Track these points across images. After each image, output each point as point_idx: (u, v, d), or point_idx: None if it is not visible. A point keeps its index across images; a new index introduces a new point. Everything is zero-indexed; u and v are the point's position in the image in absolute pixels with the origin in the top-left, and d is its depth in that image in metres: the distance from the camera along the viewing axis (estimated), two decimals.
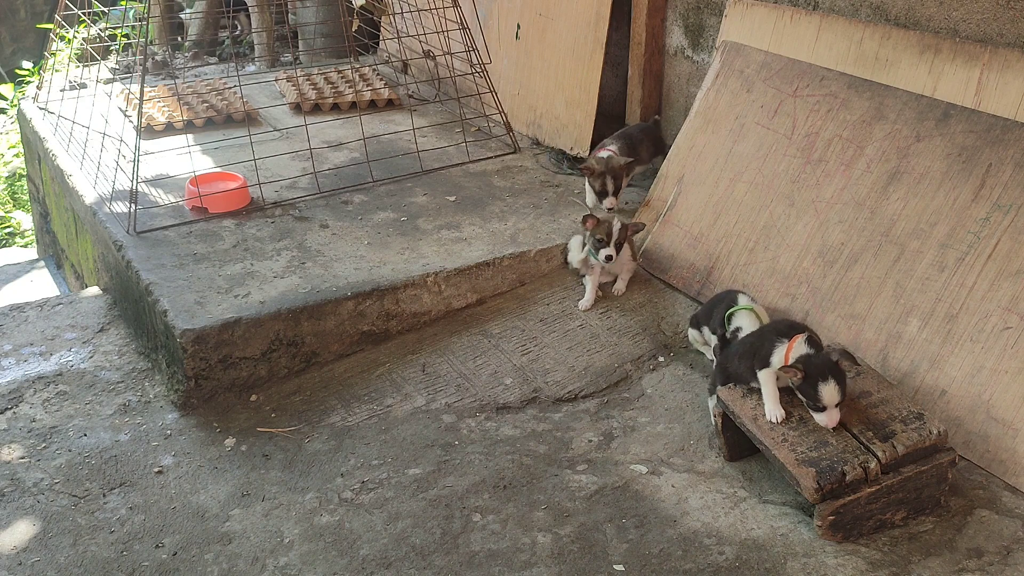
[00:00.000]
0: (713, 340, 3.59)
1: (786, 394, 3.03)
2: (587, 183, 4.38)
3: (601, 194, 4.23)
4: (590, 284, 4.01)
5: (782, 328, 3.08)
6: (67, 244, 5.33)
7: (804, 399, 2.92)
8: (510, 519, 2.97)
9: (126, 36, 7.13)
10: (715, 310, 3.52)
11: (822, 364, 2.86)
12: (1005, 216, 3.27)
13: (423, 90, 6.04)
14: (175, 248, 4.08)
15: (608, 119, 5.02)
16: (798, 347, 2.94)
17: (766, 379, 3.00)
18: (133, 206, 4.21)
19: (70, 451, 3.33)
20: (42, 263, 5.97)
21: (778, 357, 2.97)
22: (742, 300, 3.47)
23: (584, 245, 4.05)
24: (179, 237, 4.18)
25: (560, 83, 5.17)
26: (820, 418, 2.89)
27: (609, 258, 3.86)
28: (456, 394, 3.60)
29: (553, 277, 4.22)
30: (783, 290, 3.73)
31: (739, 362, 3.12)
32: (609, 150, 4.37)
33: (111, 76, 6.37)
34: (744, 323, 3.37)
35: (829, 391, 2.83)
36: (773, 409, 2.97)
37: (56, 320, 4.12)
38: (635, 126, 4.84)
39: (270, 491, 3.15)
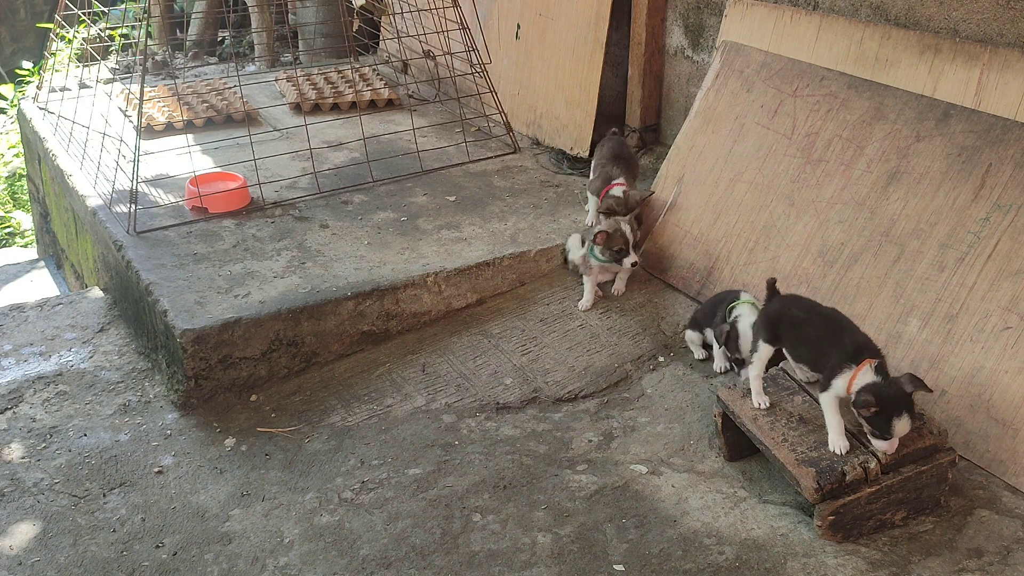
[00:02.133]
0: (714, 340, 3.60)
1: (770, 384, 3.07)
2: (589, 197, 4.38)
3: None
4: (588, 284, 4.01)
5: (851, 351, 2.83)
6: (67, 244, 5.33)
7: (869, 427, 2.76)
8: (510, 519, 2.97)
9: (125, 36, 7.13)
10: (717, 310, 3.53)
11: (897, 398, 2.70)
12: (1005, 216, 3.27)
13: (423, 90, 6.04)
14: (175, 248, 4.08)
15: (608, 119, 5.02)
16: (864, 375, 2.76)
17: (829, 406, 2.85)
18: (133, 206, 4.21)
19: (70, 451, 3.33)
20: (42, 263, 5.97)
21: (841, 382, 2.79)
22: (744, 295, 3.49)
23: (582, 243, 4.06)
24: (179, 237, 4.18)
25: (560, 83, 5.17)
26: (881, 445, 2.77)
27: (635, 264, 3.88)
28: (456, 394, 3.60)
29: (553, 277, 4.22)
30: (783, 290, 3.72)
31: (804, 344, 2.97)
32: (619, 184, 4.20)
33: (111, 76, 6.37)
34: (744, 311, 3.38)
35: (902, 426, 2.71)
36: (837, 440, 2.83)
37: (56, 320, 4.12)
38: (611, 142, 4.49)
39: (270, 491, 3.15)
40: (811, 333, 2.99)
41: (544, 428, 3.42)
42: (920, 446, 2.84)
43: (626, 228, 3.85)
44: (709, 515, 2.95)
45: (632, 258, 3.86)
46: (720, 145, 4.19)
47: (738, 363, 3.42)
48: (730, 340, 3.39)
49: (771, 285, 3.18)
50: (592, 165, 4.58)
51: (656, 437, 3.34)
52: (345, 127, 5.29)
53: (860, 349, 2.84)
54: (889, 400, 2.70)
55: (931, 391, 2.81)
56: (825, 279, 3.63)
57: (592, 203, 4.36)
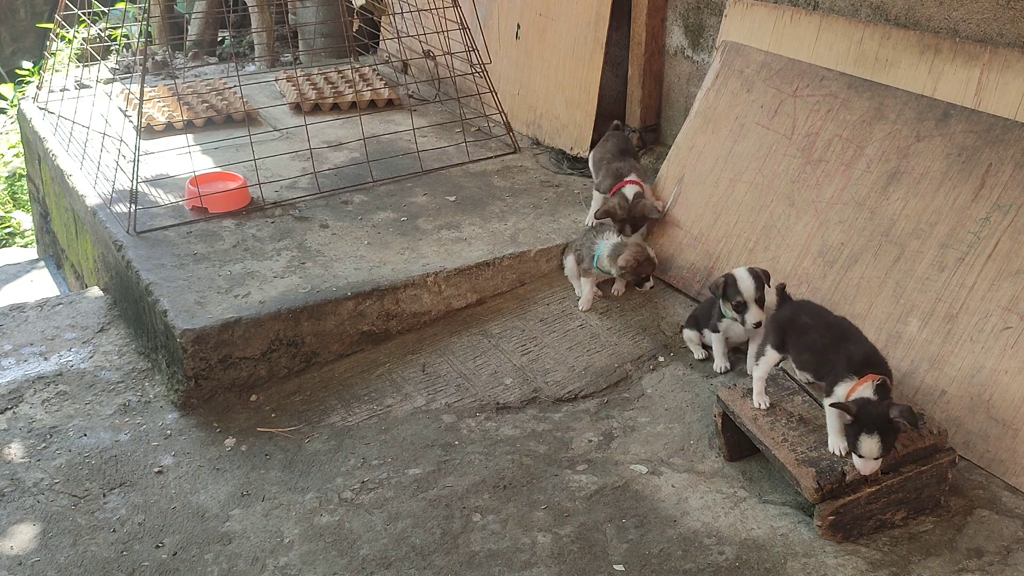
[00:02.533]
0: (712, 340, 3.59)
1: (770, 384, 3.07)
2: (594, 195, 4.38)
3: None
4: (587, 286, 4.01)
5: (858, 362, 2.82)
6: (67, 244, 5.33)
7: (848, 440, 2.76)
8: (510, 519, 2.97)
9: (126, 36, 7.14)
10: (714, 309, 3.52)
11: (875, 416, 2.66)
12: (1005, 216, 3.27)
13: (423, 90, 6.04)
14: (175, 248, 4.08)
15: (608, 119, 5.02)
16: (864, 389, 2.73)
17: (831, 410, 2.82)
18: (133, 206, 4.21)
19: (70, 451, 3.33)
20: (42, 263, 5.98)
21: (842, 391, 2.79)
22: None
23: (578, 260, 4.03)
24: (179, 237, 4.18)
25: (560, 83, 5.17)
26: (857, 463, 2.73)
27: (652, 286, 4.04)
28: (456, 394, 3.61)
29: (553, 277, 4.22)
30: None
31: (808, 351, 2.95)
32: (633, 182, 4.16)
33: (111, 76, 6.38)
34: (741, 273, 3.36)
35: (869, 446, 2.67)
36: (837, 442, 2.82)
37: (56, 320, 4.12)
38: (615, 137, 4.52)
39: (270, 491, 3.15)
40: (818, 341, 2.96)
41: (544, 428, 3.42)
42: (920, 446, 2.84)
43: (651, 252, 3.93)
44: (709, 515, 2.95)
45: (651, 283, 4.04)
46: (720, 145, 4.19)
47: (739, 308, 3.34)
48: (728, 287, 3.34)
49: (781, 290, 3.16)
50: (593, 161, 4.55)
51: (656, 437, 3.34)
52: (345, 127, 5.29)
53: (867, 363, 2.82)
54: (866, 417, 2.67)
55: (916, 428, 2.74)
56: (825, 279, 3.63)
57: (597, 202, 4.32)
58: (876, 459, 2.70)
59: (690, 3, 4.74)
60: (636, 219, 4.10)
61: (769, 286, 3.30)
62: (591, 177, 4.57)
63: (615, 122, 4.67)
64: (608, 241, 3.92)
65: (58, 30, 5.43)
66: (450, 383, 3.66)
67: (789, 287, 3.69)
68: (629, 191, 4.13)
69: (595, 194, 4.37)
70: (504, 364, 3.75)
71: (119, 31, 7.04)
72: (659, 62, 4.97)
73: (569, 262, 4.12)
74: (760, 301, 3.32)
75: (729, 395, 3.11)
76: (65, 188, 4.82)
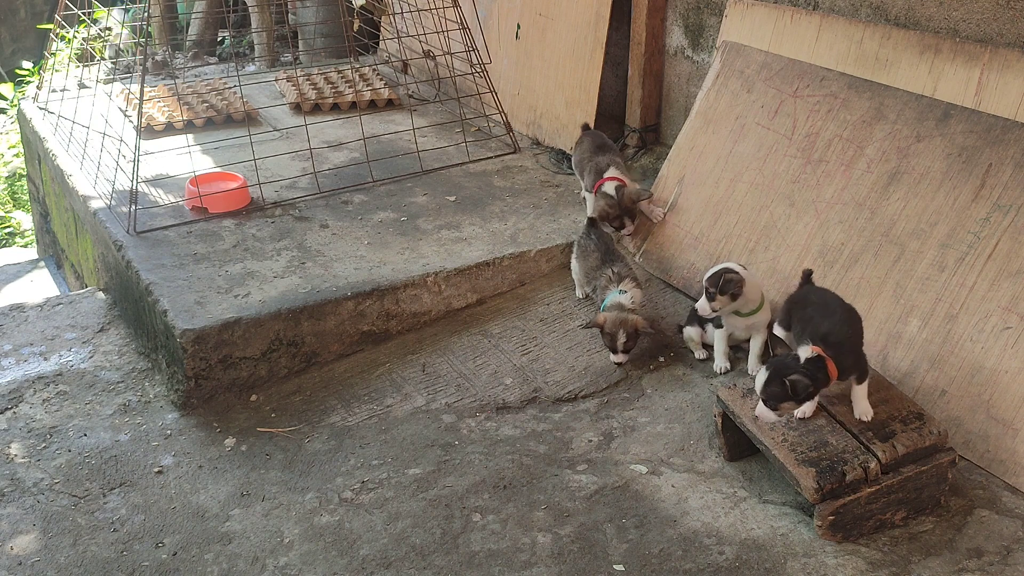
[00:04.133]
0: (714, 336, 3.59)
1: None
2: (587, 197, 4.37)
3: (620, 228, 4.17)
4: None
5: (820, 335, 2.93)
6: (67, 244, 5.33)
7: None
8: (510, 519, 2.97)
9: (119, 42, 7.14)
10: None
11: (776, 365, 2.83)
12: (1005, 216, 3.27)
13: (423, 90, 6.04)
14: (175, 248, 4.08)
15: (608, 119, 5.02)
16: (803, 353, 2.84)
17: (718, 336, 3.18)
18: (133, 206, 4.21)
19: (70, 451, 3.33)
20: (42, 263, 5.98)
21: (802, 353, 2.87)
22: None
23: (585, 279, 3.96)
24: (179, 237, 4.18)
25: (560, 83, 5.17)
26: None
27: (620, 364, 3.69)
28: (456, 394, 3.61)
29: (553, 277, 4.22)
30: (783, 290, 3.73)
31: (830, 324, 2.99)
32: (611, 178, 4.15)
33: (111, 76, 6.38)
34: (715, 268, 3.40)
35: (757, 378, 2.85)
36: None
37: (56, 320, 4.12)
38: (589, 137, 4.52)
39: (270, 491, 3.15)
40: (810, 314, 3.05)
41: (544, 428, 3.42)
42: (920, 446, 2.84)
43: (623, 339, 3.59)
44: (709, 515, 2.95)
45: (618, 359, 3.65)
46: (721, 145, 4.19)
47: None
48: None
49: (807, 275, 3.26)
50: (576, 165, 4.54)
51: (656, 437, 3.34)
52: (345, 127, 5.29)
53: (823, 338, 2.89)
54: (773, 362, 2.86)
55: (792, 396, 2.80)
56: (825, 279, 3.63)
57: (590, 201, 4.34)
58: (764, 404, 2.82)
59: (690, 3, 4.74)
60: (628, 210, 4.11)
61: (726, 295, 3.33)
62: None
63: (584, 123, 4.65)
64: (620, 296, 3.70)
65: (58, 30, 5.43)
66: (450, 383, 3.66)
67: (790, 287, 3.69)
68: (609, 187, 4.14)
69: (586, 195, 4.39)
70: (504, 364, 3.75)
71: (119, 31, 7.04)
72: (659, 62, 4.97)
73: (576, 265, 4.09)
74: (706, 292, 3.36)
75: (729, 395, 3.11)
76: (65, 188, 4.82)
